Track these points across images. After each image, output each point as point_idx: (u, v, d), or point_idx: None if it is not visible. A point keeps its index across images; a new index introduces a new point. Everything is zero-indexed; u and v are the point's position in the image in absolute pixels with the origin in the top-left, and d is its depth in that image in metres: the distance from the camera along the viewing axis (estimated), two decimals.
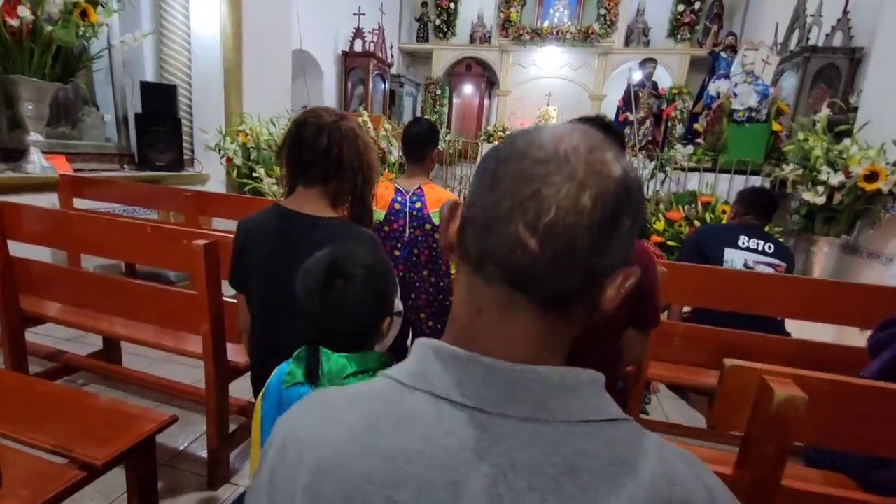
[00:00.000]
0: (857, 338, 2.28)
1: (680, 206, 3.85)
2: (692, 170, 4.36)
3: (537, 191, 0.36)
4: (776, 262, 2.27)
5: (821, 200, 3.38)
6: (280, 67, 4.70)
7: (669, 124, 5.97)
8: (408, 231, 2.08)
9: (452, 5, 9.56)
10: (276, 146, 3.82)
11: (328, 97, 7.29)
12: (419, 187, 2.10)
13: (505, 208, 0.37)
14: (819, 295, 1.75)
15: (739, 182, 4.06)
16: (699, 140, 4.69)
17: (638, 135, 5.20)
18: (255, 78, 4.26)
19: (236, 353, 1.59)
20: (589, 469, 0.35)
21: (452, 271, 2.18)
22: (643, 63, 6.20)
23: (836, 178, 3.30)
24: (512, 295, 0.39)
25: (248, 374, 1.34)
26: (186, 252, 1.43)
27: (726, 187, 4.17)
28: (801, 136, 3.55)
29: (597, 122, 1.26)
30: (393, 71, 8.75)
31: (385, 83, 8.33)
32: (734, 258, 2.27)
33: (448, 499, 0.34)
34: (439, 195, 2.14)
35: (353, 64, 7.55)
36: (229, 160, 3.83)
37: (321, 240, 1.16)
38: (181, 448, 1.83)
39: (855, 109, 3.89)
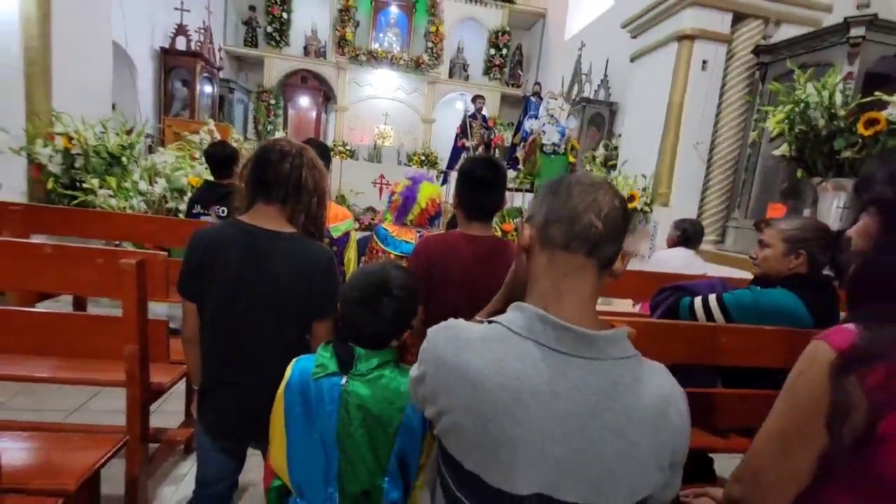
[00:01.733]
0: (630, 307, 3.29)
1: (510, 220, 4.73)
2: (516, 190, 5.35)
3: (595, 199, 0.69)
4: None
5: None
6: (99, 60, 4.04)
7: (497, 151, 7.14)
8: None
9: (285, 15, 9.37)
10: (108, 153, 3.37)
11: (144, 97, 6.42)
12: None
13: (581, 208, 0.69)
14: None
15: None
16: (520, 166, 5.81)
17: None
18: (67, 71, 3.63)
19: (158, 373, 1.54)
20: (622, 383, 0.67)
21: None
22: (474, 99, 7.24)
23: None
24: (585, 260, 0.70)
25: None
26: (103, 273, 1.37)
27: None
28: (587, 167, 4.76)
29: (490, 160, 1.71)
30: (222, 75, 8.12)
31: (213, 87, 7.68)
32: None
33: (550, 399, 0.64)
34: (335, 212, 2.34)
35: (176, 63, 6.81)
36: (40, 169, 3.19)
37: (285, 253, 1.32)
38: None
39: (617, 148, 5.39)
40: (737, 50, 4.26)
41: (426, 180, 2.52)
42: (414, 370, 0.77)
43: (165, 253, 1.43)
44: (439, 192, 2.51)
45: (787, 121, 3.12)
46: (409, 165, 9.52)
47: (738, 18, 4.22)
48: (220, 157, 2.83)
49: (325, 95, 10.04)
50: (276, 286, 1.30)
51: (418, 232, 2.35)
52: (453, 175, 6.82)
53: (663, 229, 4.10)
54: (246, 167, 1.37)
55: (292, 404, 1.08)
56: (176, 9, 6.77)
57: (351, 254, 2.51)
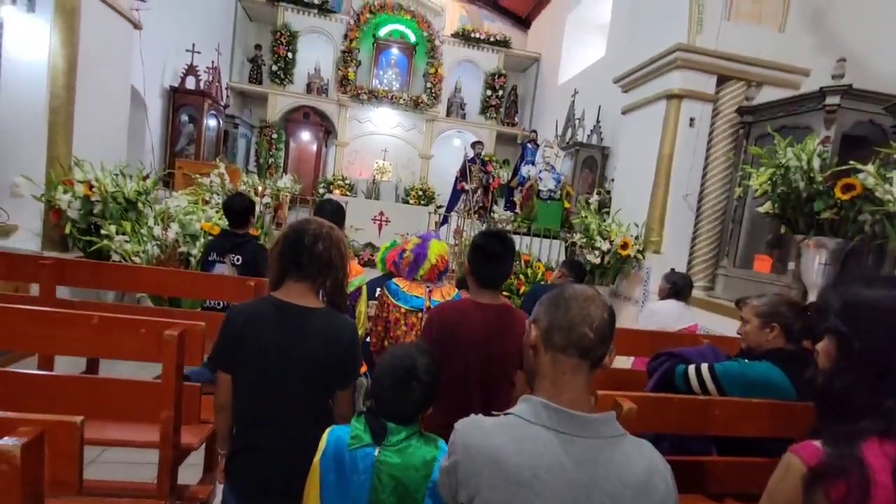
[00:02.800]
0: (626, 362, 3.40)
1: None
2: (514, 233, 5.54)
3: (588, 313, 0.87)
4: None
5: (596, 260, 4.77)
6: (118, 107, 4.23)
7: (496, 194, 7.41)
8: None
9: (290, 55, 9.72)
10: (124, 199, 3.50)
11: (152, 132, 6.59)
12: None
13: (578, 320, 0.86)
14: None
15: (546, 244, 5.37)
16: (517, 210, 6.03)
17: (472, 201, 6.38)
18: (88, 118, 3.79)
19: (188, 434, 1.62)
20: (615, 458, 0.82)
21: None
22: (474, 144, 7.54)
23: (604, 245, 4.71)
24: (580, 361, 0.87)
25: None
26: (145, 341, 1.48)
27: (538, 248, 5.46)
28: (582, 213, 4.97)
29: (501, 235, 1.86)
30: (227, 111, 8.36)
31: (219, 122, 7.90)
32: None
33: (558, 471, 0.79)
34: (356, 270, 2.47)
35: (184, 101, 7.03)
36: (59, 214, 3.30)
37: (315, 328, 1.44)
38: None
39: (609, 192, 5.63)
40: (722, 108, 4.55)
41: (435, 238, 2.67)
42: (444, 462, 0.90)
43: (203, 323, 1.54)
44: (447, 249, 2.66)
45: (769, 182, 3.34)
46: (407, 200, 9.74)
47: (723, 80, 4.52)
48: (237, 208, 2.97)
49: (326, 131, 10.32)
50: (306, 358, 1.41)
51: (427, 287, 2.48)
52: (453, 217, 7.08)
53: (655, 275, 4.27)
54: (276, 246, 1.49)
55: (327, 471, 1.18)
56: (187, 51, 7.04)
57: (361, 307, 2.64)
